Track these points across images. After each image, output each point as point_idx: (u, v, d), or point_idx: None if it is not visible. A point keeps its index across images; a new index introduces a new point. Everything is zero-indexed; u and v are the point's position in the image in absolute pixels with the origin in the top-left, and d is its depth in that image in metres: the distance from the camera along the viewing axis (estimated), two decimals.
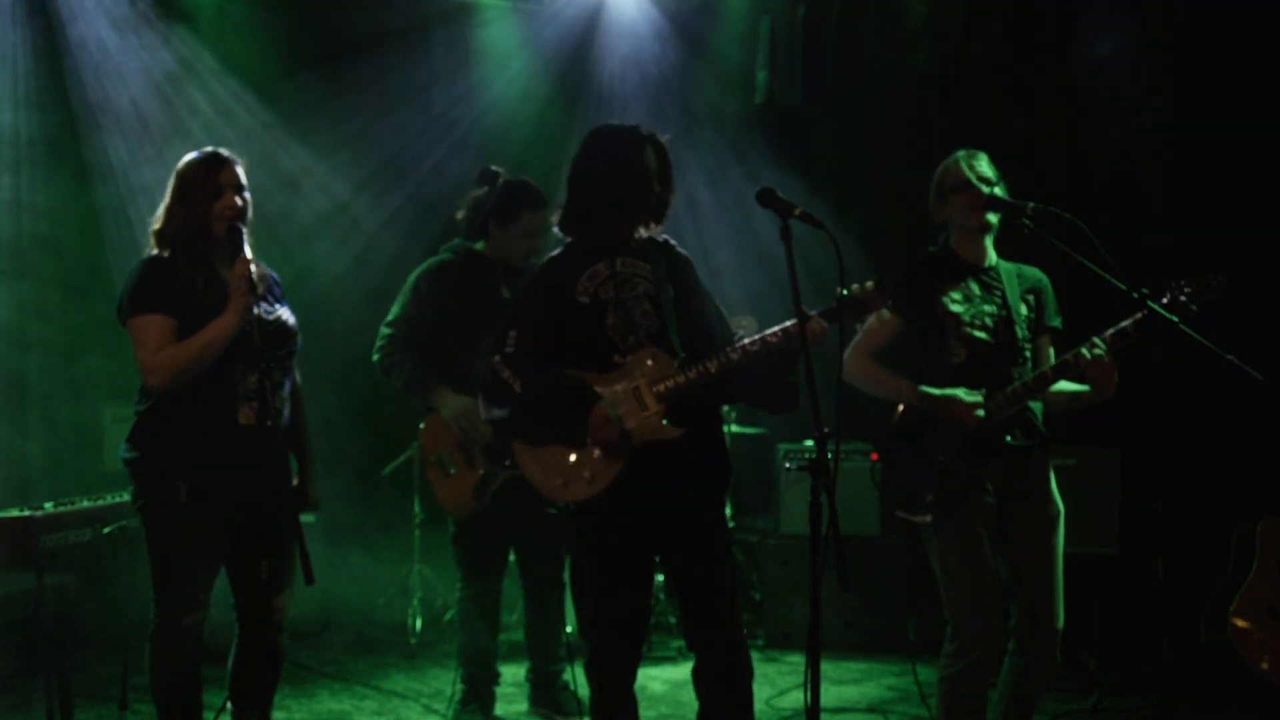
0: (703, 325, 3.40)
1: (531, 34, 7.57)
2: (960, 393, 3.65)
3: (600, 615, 3.28)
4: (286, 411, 3.62)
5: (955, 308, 3.73)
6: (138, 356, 3.45)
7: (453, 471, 4.50)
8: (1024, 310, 3.82)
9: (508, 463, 4.23)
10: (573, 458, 3.23)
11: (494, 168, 4.70)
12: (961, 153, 3.83)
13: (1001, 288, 3.80)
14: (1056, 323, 3.87)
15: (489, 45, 7.51)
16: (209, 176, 3.51)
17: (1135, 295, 3.58)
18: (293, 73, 6.88)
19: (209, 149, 3.60)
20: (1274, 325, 5.04)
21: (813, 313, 3.15)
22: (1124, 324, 3.63)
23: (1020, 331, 3.76)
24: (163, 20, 6.43)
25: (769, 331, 3.22)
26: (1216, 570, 4.55)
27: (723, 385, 3.31)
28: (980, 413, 3.63)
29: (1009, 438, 3.68)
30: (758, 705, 4.22)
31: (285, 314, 3.68)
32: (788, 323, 3.15)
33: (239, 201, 3.52)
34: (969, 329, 3.72)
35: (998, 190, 3.75)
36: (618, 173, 3.32)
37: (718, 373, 3.22)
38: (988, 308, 3.76)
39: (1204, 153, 5.60)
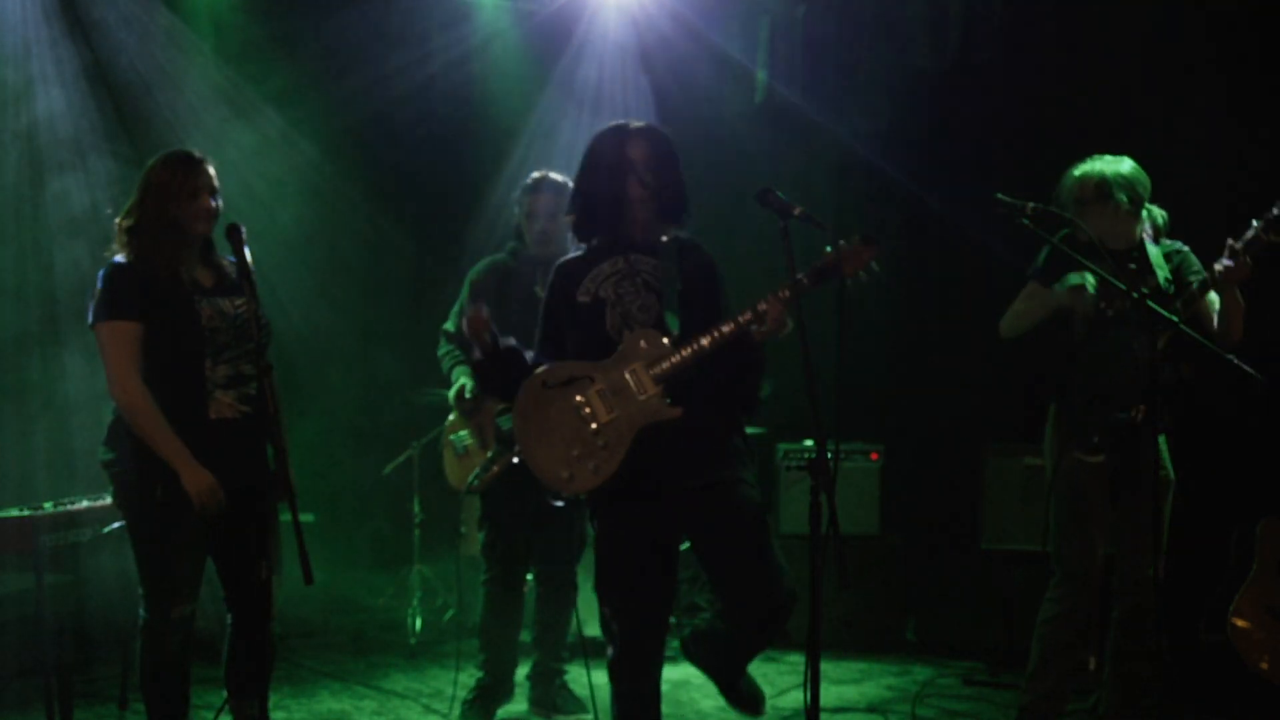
0: (706, 317, 3.35)
1: (529, 33, 7.55)
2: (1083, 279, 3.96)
3: (622, 611, 3.32)
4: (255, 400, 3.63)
5: (1090, 286, 3.98)
6: (106, 363, 3.52)
7: (465, 449, 4.82)
8: (1164, 275, 3.99)
9: (517, 447, 4.30)
10: (575, 451, 3.25)
11: (542, 174, 4.79)
12: (1107, 173, 4.03)
13: (1146, 261, 3.99)
14: (1202, 276, 3.93)
15: (487, 44, 7.50)
16: (184, 178, 3.52)
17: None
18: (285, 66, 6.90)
19: (179, 150, 3.62)
20: (1274, 325, 5.03)
21: (800, 276, 3.21)
22: (1251, 231, 3.76)
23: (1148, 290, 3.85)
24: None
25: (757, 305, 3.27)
26: (1216, 570, 4.54)
27: (718, 372, 3.34)
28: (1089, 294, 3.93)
29: (1122, 414, 3.86)
30: None
31: (250, 307, 3.66)
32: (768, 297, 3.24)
33: (213, 204, 3.56)
34: (1098, 307, 3.97)
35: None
36: (599, 171, 3.38)
37: (710, 346, 3.24)
38: (1123, 284, 3.83)
39: (1203, 150, 5.59)
